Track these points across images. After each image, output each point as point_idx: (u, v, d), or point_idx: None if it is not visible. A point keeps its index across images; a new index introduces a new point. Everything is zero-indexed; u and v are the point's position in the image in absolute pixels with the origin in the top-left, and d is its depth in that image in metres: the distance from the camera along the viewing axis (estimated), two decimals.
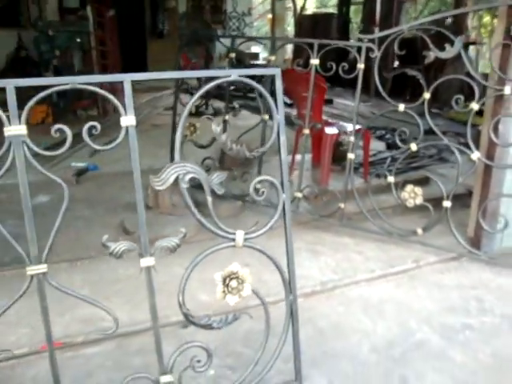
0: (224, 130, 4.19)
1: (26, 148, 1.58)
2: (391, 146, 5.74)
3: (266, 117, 3.72)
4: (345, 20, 13.21)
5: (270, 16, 13.84)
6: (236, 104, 7.94)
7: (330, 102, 8.94)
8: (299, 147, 4.36)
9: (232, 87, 9.32)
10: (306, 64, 3.57)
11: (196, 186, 1.82)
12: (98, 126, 1.64)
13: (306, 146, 3.82)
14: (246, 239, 1.85)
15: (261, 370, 2.02)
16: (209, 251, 1.82)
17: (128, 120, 1.65)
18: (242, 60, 11.26)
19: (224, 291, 1.80)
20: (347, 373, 2.20)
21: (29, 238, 1.61)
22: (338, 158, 4.49)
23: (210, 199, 1.79)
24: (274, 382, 2.12)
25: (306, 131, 3.56)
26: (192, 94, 1.77)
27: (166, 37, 13.24)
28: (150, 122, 7.21)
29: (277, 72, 1.85)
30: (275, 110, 1.85)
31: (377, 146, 5.81)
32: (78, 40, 7.88)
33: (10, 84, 1.54)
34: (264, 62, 10.52)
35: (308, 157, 4.84)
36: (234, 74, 1.79)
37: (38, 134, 7.07)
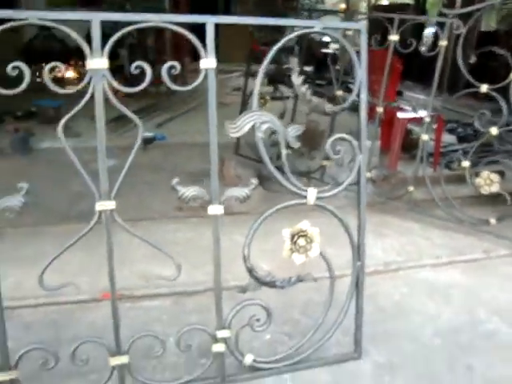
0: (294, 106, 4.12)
1: (105, 82, 1.55)
2: (462, 140, 5.48)
3: (340, 92, 3.61)
4: (422, 12, 12.75)
5: (342, 6, 13.59)
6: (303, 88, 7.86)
7: (399, 93, 8.65)
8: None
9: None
10: (381, 42, 3.43)
11: (259, 160, 1.77)
12: (178, 67, 1.60)
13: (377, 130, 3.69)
14: (317, 198, 1.78)
15: (319, 339, 1.95)
16: (280, 206, 1.76)
17: (208, 62, 1.60)
18: (312, 48, 11.09)
19: (291, 249, 1.73)
20: (408, 353, 2.09)
21: (100, 174, 1.60)
22: (408, 146, 4.32)
23: (284, 152, 1.73)
24: (331, 352, 2.05)
25: (380, 109, 3.42)
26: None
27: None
28: (218, 101, 7.24)
29: (362, 26, 1.77)
30: (358, 66, 1.76)
31: (448, 139, 5.56)
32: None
33: (96, 18, 1.53)
34: (335, 52, 10.32)
35: (377, 143, 4.70)
36: (318, 26, 1.71)
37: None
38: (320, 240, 2.86)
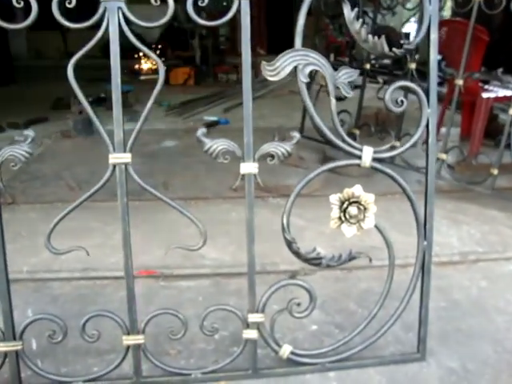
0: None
1: (121, 15, 1.33)
2: None
3: (413, 65, 3.22)
4: None
5: None
6: (380, 79, 7.39)
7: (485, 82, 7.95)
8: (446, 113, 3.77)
9: (374, 62, 8.77)
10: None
11: (327, 141, 1.48)
12: None
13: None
14: (374, 159, 1.46)
15: (374, 333, 1.63)
16: (330, 165, 1.46)
17: None
18: (391, 38, 10.49)
19: (340, 218, 1.43)
20: (487, 359, 1.70)
21: (115, 122, 1.38)
22: (492, 131, 3.84)
23: (333, 101, 1.42)
24: (388, 351, 1.72)
25: (459, 81, 2.99)
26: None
27: (314, 13, 12.91)
28: (288, 89, 7.00)
29: None
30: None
31: None
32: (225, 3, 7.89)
33: None
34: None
35: (456, 131, 4.23)
36: None
37: (176, 93, 7.21)
38: (390, 229, 2.51)
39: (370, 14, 4.07)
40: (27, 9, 1.31)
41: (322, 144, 3.82)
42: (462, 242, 2.50)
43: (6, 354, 1.48)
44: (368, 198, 1.42)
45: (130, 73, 7.91)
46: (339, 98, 3.72)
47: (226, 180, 1.42)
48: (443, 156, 3.07)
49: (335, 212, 1.42)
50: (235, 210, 2.92)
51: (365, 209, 1.43)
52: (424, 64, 1.53)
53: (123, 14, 1.35)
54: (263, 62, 1.38)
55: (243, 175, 1.42)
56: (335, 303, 1.98)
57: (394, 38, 10.49)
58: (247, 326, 1.52)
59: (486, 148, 3.74)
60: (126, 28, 1.35)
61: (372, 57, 4.10)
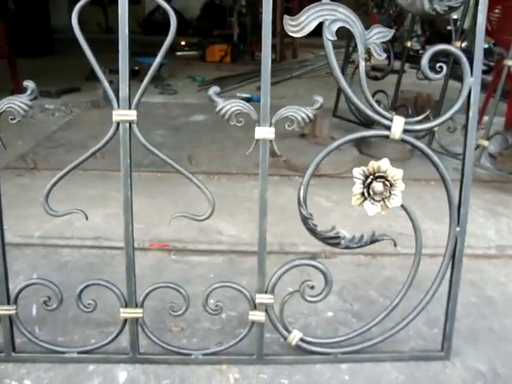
0: None
1: None
2: None
3: (458, 44, 3.00)
4: None
5: None
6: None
7: None
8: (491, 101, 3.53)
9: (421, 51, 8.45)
10: None
11: (365, 123, 1.32)
12: None
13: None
14: (405, 131, 1.30)
15: (394, 325, 1.48)
16: (353, 136, 1.31)
17: None
18: (436, 23, 10.11)
19: (363, 194, 1.28)
20: None
21: (120, 76, 1.26)
22: None
23: (362, 63, 1.27)
24: (409, 346, 1.57)
25: (509, 62, 2.76)
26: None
27: None
28: (326, 71, 6.80)
29: None
30: None
31: None
32: None
33: None
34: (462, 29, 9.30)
35: (500, 120, 3.97)
36: None
37: (212, 70, 7.07)
38: (423, 216, 2.33)
39: None
40: None
41: (355, 125, 3.64)
42: (500, 235, 2.30)
43: None
44: (396, 174, 1.27)
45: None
46: (375, 78, 3.54)
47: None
48: (485, 143, 2.85)
49: (358, 187, 1.27)
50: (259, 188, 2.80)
51: (391, 185, 1.27)
52: (466, 51, 1.36)
53: None
54: (285, 16, 1.23)
55: (257, 140, 1.28)
56: (355, 290, 1.84)
57: (440, 23, 10.11)
58: (254, 307, 1.39)
59: None
60: None
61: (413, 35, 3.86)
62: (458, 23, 3.26)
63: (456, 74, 3.12)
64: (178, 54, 7.70)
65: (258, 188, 2.89)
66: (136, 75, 5.41)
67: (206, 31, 9.18)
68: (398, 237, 2.09)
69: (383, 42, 1.26)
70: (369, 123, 3.32)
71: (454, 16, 3.50)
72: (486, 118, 3.42)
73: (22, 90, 1.28)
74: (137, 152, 1.35)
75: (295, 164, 2.95)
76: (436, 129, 3.06)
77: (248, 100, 4.78)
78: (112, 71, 5.28)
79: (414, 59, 5.58)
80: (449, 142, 3.21)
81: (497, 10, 3.75)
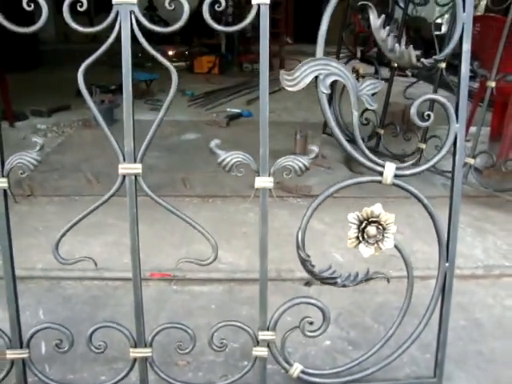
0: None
1: (133, 19, 1.27)
2: None
3: (443, 65, 3.10)
4: None
5: None
6: (408, 72, 7.19)
7: None
8: (477, 112, 3.64)
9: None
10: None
11: (351, 140, 1.39)
12: (223, 2, 1.28)
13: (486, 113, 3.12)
14: (396, 176, 1.39)
15: (390, 353, 1.56)
16: (346, 182, 1.39)
17: None
18: (422, 29, 10.26)
19: (358, 237, 1.36)
20: None
21: (125, 131, 1.32)
22: None
23: (356, 114, 1.35)
24: (404, 372, 1.66)
25: (491, 84, 2.87)
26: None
27: (343, 1, 12.67)
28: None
29: None
30: (461, 4, 1.32)
31: None
32: None
33: None
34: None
35: (486, 130, 4.09)
36: None
37: (201, 82, 7.11)
38: (412, 236, 2.41)
39: (401, 4, 3.92)
40: None
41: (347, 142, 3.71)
42: (487, 254, 2.40)
43: (12, 362, 1.45)
44: (388, 218, 1.35)
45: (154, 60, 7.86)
46: None
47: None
48: (471, 161, 2.95)
49: (353, 231, 1.35)
50: (253, 210, 2.87)
51: (384, 229, 1.35)
52: (455, 56, 1.44)
53: (136, 18, 1.29)
54: (281, 71, 1.31)
55: (257, 189, 1.35)
56: (350, 317, 1.92)
57: (425, 29, 10.27)
58: (257, 343, 1.47)
59: None
60: (139, 33, 1.29)
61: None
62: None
63: (445, 82, 3.23)
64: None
65: (252, 211, 2.96)
66: None
67: (193, 40, 9.24)
68: (390, 259, 2.19)
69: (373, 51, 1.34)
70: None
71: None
72: (473, 129, 3.53)
73: (14, 113, 1.32)
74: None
75: (288, 185, 3.02)
76: (424, 146, 3.16)
77: (238, 115, 4.85)
78: (102, 90, 5.36)
79: (400, 68, 5.69)
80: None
81: (477, 26, 3.87)
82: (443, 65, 3.09)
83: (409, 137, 3.28)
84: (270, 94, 1.35)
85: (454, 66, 1.60)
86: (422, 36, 10.17)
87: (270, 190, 1.36)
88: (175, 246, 2.45)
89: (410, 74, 7.24)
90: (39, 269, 2.24)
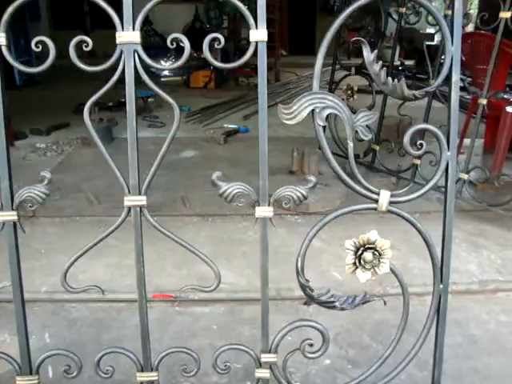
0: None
1: (137, 58, 1.33)
2: None
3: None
4: None
5: None
6: (377, 67, 7.31)
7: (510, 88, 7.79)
8: (470, 127, 3.71)
9: (400, 67, 8.68)
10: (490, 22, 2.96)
11: (345, 156, 1.45)
12: (222, 39, 1.33)
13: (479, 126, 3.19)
14: (391, 203, 1.44)
15: (388, 372, 1.61)
16: (342, 211, 1.44)
17: (258, 34, 1.32)
18: (414, 40, 10.41)
19: (355, 263, 1.41)
20: None
21: (130, 165, 1.38)
22: None
23: (351, 145, 1.40)
24: None
25: (483, 101, 2.94)
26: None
27: (336, 13, 12.83)
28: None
29: None
30: (449, 38, 1.39)
31: None
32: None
33: None
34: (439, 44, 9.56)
35: (480, 141, 4.17)
36: None
37: (197, 97, 7.19)
38: (409, 253, 2.46)
39: (394, 16, 4.01)
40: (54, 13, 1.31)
41: (341, 158, 3.79)
42: (482, 269, 2.46)
43: None
44: (384, 244, 1.40)
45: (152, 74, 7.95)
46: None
47: (219, 172, 1.41)
48: (465, 176, 3.02)
49: (350, 258, 1.41)
50: (252, 229, 2.92)
51: (380, 254, 1.41)
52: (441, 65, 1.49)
53: (139, 57, 1.35)
54: (279, 105, 1.36)
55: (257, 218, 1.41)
56: (349, 336, 1.97)
57: (418, 39, 10.41)
58: (260, 365, 1.52)
59: (510, 162, 3.69)
60: (142, 71, 1.35)
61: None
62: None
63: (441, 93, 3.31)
64: (163, 80, 7.84)
65: (251, 230, 3.00)
66: (124, 107, 5.54)
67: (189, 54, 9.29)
68: (387, 277, 2.22)
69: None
70: (356, 157, 3.46)
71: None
72: (466, 141, 3.60)
73: (13, 132, 1.36)
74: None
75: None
76: (419, 162, 3.23)
77: (235, 131, 4.91)
78: (100, 107, 5.42)
79: (394, 77, 5.78)
80: (430, 172, 3.37)
81: (469, 41, 3.95)
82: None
83: (403, 153, 3.34)
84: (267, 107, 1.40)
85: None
86: (415, 46, 10.32)
87: (269, 219, 1.41)
88: (177, 266, 2.50)
89: None
90: (43, 292, 2.29)
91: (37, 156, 4.37)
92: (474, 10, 10.75)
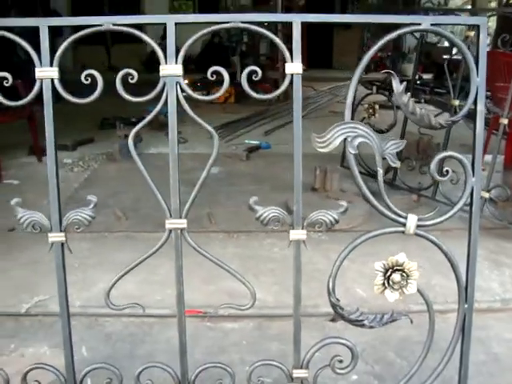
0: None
1: (179, 89, 1.42)
2: None
3: (456, 102, 3.23)
4: None
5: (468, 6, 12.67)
6: (422, 98, 7.31)
7: None
8: (491, 143, 3.77)
9: (418, 81, 8.73)
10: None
11: (370, 174, 1.53)
12: (259, 72, 1.42)
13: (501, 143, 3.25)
14: (418, 226, 1.51)
15: None
16: (372, 234, 1.51)
17: (294, 67, 1.41)
18: (432, 54, 10.45)
19: (384, 284, 1.48)
20: None
21: (171, 190, 1.47)
22: None
23: (380, 171, 1.48)
24: None
25: (504, 121, 3.00)
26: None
27: (353, 28, 12.94)
28: (329, 109, 7.03)
29: (482, 22, 1.47)
30: (475, 70, 1.47)
31: None
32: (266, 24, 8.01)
33: (171, 20, 1.40)
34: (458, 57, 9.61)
35: (500, 158, 4.21)
36: (426, 22, 1.44)
37: (217, 112, 7.32)
38: (430, 270, 2.51)
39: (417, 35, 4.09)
40: (76, 29, 1.39)
41: (363, 175, 3.85)
42: (504, 288, 2.50)
43: None
44: (411, 266, 1.47)
45: None
46: (381, 131, 3.75)
47: (255, 197, 1.49)
48: (485, 194, 3.07)
49: (379, 279, 1.48)
50: (278, 245, 3.00)
51: (407, 276, 1.48)
52: (466, 79, 1.55)
53: (180, 87, 1.44)
54: (313, 134, 1.45)
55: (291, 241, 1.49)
56: (374, 352, 2.03)
57: (436, 53, 10.45)
58: (292, 379, 1.58)
59: None
60: (183, 101, 1.44)
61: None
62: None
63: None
64: (184, 94, 7.96)
65: (276, 246, 3.09)
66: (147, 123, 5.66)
67: (208, 67, 9.46)
68: (411, 294, 2.29)
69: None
70: (374, 174, 3.54)
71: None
72: (487, 157, 3.64)
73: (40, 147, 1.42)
74: (161, 209, 1.50)
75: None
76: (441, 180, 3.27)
77: (257, 148, 5.00)
78: (124, 122, 5.55)
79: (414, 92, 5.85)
80: (451, 189, 3.42)
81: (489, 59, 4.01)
82: (457, 103, 3.21)
83: (424, 171, 3.40)
84: (284, 124, 1.48)
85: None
86: (432, 60, 10.36)
87: (303, 241, 1.49)
88: (204, 281, 2.58)
89: (423, 100, 7.42)
90: (78, 306, 2.37)
91: (64, 172, 4.50)
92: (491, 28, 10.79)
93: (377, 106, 3.47)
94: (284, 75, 1.45)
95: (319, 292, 1.90)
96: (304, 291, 2.36)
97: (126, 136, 4.88)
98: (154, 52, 1.45)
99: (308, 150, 1.51)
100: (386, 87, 3.91)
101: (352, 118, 1.49)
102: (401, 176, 3.59)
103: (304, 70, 1.46)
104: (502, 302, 2.37)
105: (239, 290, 2.48)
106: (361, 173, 3.92)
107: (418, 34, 3.89)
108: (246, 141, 5.25)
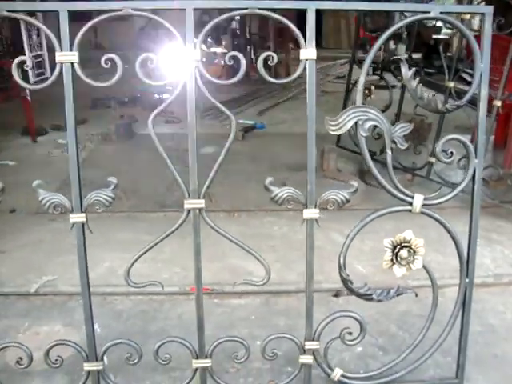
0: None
1: (197, 73, 1.47)
2: None
3: (451, 84, 3.30)
4: None
5: None
6: (414, 83, 7.39)
7: None
8: None
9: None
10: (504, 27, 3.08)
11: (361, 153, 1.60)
12: (275, 57, 1.47)
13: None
14: (423, 205, 1.59)
15: (416, 358, 1.77)
16: (382, 212, 1.59)
17: (308, 53, 1.47)
18: (422, 33, 10.44)
19: (392, 260, 1.57)
20: None
21: (190, 171, 1.53)
22: None
23: (389, 153, 1.55)
24: (428, 374, 1.86)
25: (497, 103, 3.08)
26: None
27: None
28: (320, 89, 7.05)
29: (487, 10, 1.53)
30: (479, 57, 1.54)
31: None
32: None
33: (190, 5, 1.44)
34: (446, 37, 9.63)
35: (491, 138, 4.31)
36: (435, 10, 1.50)
37: (209, 91, 7.10)
38: (426, 247, 2.61)
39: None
40: None
41: (358, 155, 3.93)
42: (496, 264, 2.61)
43: (88, 372, 1.65)
44: (418, 243, 1.56)
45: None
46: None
47: (265, 191, 1.56)
48: None
49: (388, 255, 1.56)
50: (277, 224, 3.07)
51: (414, 252, 1.56)
52: (460, 60, 1.60)
53: (199, 72, 1.49)
54: (326, 118, 1.51)
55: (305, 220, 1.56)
56: (377, 325, 2.12)
57: (425, 33, 10.48)
58: (304, 351, 1.67)
59: None
60: (201, 85, 1.49)
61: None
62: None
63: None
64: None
65: (276, 225, 3.15)
66: (139, 103, 5.67)
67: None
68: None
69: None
70: (372, 155, 3.61)
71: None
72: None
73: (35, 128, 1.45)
74: (160, 189, 1.56)
75: None
76: (433, 160, 3.37)
77: (252, 127, 5.04)
78: (124, 103, 5.53)
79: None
80: (446, 169, 3.52)
81: None
82: (452, 84, 3.28)
83: (419, 151, 3.49)
84: (279, 103, 1.54)
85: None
86: (422, 40, 10.38)
87: (315, 220, 1.56)
88: (209, 259, 2.62)
89: None
90: None
91: (60, 152, 4.50)
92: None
93: (373, 87, 3.52)
94: (277, 53, 1.50)
95: (319, 269, 1.97)
96: (304, 268, 2.46)
97: (122, 116, 4.90)
98: (142, 28, 1.48)
99: (301, 129, 1.56)
100: (381, 68, 3.95)
101: (348, 99, 1.56)
102: (395, 156, 3.66)
103: (294, 49, 1.51)
104: (494, 277, 2.48)
105: (241, 268, 2.57)
106: (355, 152, 3.99)
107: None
108: (241, 120, 5.28)
